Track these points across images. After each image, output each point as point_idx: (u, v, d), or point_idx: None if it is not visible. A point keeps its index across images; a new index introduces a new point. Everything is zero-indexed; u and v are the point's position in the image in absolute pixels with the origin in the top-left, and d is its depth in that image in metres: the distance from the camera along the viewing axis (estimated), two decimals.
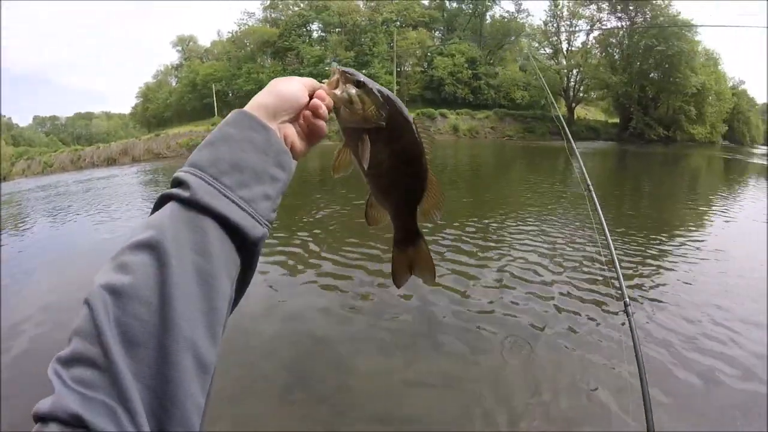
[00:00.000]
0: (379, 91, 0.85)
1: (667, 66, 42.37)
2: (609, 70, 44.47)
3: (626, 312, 2.47)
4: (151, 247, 0.57)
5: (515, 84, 47.43)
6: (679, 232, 9.75)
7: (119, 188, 18.08)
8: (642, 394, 2.10)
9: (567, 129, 3.97)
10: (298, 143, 0.82)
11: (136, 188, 15.95)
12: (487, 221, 9.83)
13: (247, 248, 0.68)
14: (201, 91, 46.73)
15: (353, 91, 0.84)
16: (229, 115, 0.75)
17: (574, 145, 3.79)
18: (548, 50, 51.11)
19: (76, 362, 0.51)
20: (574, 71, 48.95)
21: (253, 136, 0.72)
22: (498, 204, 12.27)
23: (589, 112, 54.39)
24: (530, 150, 33.66)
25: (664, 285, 6.59)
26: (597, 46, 48.03)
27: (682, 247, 8.55)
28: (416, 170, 0.90)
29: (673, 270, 7.26)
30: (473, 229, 8.96)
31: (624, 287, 2.63)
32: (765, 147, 57.70)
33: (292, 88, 0.80)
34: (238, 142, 0.70)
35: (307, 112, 0.82)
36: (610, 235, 2.94)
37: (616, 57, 46.04)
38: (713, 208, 13.05)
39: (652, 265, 7.45)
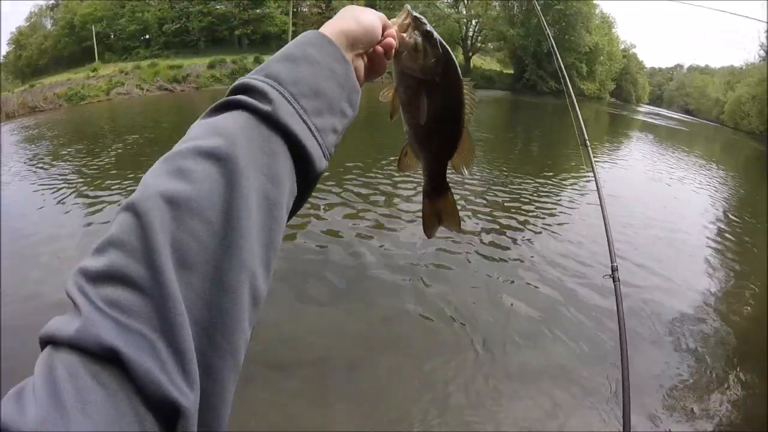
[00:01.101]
0: (443, 46, 0.88)
1: (564, 24, 44.57)
2: (507, 23, 45.74)
3: (613, 277, 2.39)
4: (219, 158, 0.52)
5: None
6: (567, 175, 11.90)
7: None
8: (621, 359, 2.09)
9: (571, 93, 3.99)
10: (362, 78, 0.81)
11: (14, 149, 14.90)
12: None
13: (307, 179, 0.65)
14: (79, 33, 42.74)
15: (420, 39, 0.86)
16: (309, 34, 0.72)
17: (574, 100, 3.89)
18: None
19: (113, 280, 0.43)
20: (473, 21, 49.77)
21: (335, 67, 0.70)
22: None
23: (485, 62, 55.71)
24: None
25: (561, 224, 8.33)
26: None
27: (570, 188, 10.72)
28: (456, 127, 0.94)
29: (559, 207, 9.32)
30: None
31: (613, 250, 2.54)
32: (648, 106, 64.45)
33: (372, 20, 0.79)
34: (321, 69, 0.68)
35: (380, 49, 0.82)
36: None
37: (516, 11, 47.19)
38: (599, 154, 15.34)
39: (545, 204, 9.33)
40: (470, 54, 50.57)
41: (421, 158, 0.97)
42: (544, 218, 8.47)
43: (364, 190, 9.21)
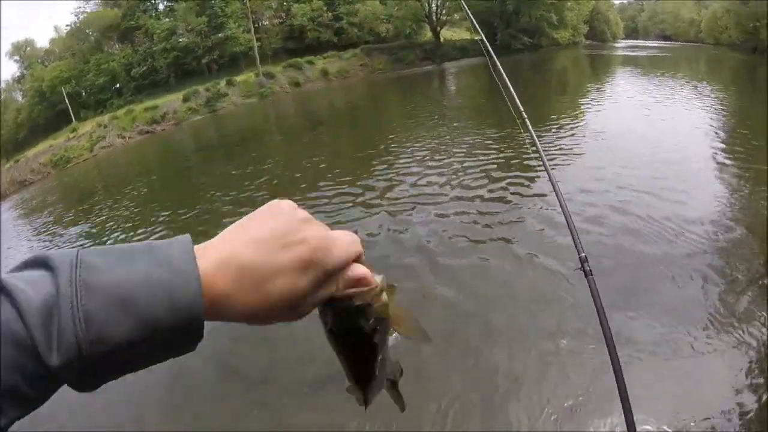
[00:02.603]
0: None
1: None
2: None
3: (583, 270, 2.11)
4: None
5: (377, 18, 47.38)
6: (557, 122, 11.79)
7: None
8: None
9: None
10: (287, 314, 0.53)
11: (18, 228, 15.01)
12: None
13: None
14: (51, 98, 42.96)
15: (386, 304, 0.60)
16: (183, 281, 0.45)
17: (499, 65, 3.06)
18: None
19: None
20: None
21: (173, 346, 0.47)
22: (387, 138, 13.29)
23: (455, 33, 55.19)
24: (404, 79, 34.45)
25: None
26: None
27: (561, 130, 10.68)
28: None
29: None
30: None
31: (578, 239, 2.23)
32: (625, 41, 64.05)
33: (294, 248, 0.51)
34: (154, 338, 0.45)
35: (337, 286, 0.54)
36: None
37: None
38: (584, 99, 15.16)
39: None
40: (438, 29, 50.03)
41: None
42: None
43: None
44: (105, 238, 9.99)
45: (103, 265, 0.45)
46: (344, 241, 0.54)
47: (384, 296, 0.57)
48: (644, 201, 6.44)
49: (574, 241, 2.21)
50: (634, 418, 1.68)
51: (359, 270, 0.54)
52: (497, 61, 3.09)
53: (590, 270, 2.07)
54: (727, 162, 8.01)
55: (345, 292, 0.54)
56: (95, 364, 0.43)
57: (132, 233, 9.82)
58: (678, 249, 5.27)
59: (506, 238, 6.09)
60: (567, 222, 2.31)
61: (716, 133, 10.29)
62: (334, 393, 4.02)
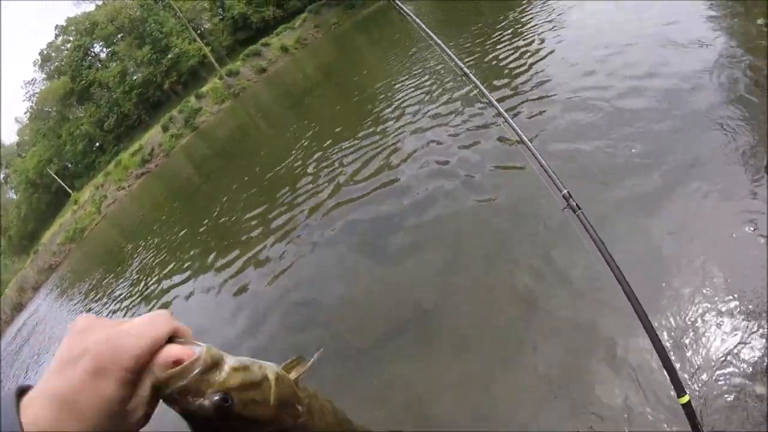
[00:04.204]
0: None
1: None
2: None
3: (570, 207, 1.98)
4: None
5: None
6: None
7: (52, 327, 15.00)
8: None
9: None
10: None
11: (64, 309, 14.82)
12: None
13: None
14: (42, 182, 43.12)
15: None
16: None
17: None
18: None
19: None
20: None
21: None
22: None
23: None
24: (363, 24, 32.97)
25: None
26: None
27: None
28: None
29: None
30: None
31: (557, 180, 2.04)
32: None
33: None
34: None
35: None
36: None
37: None
38: None
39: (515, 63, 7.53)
40: None
41: None
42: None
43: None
44: (152, 277, 9.47)
45: None
46: (137, 331, 0.50)
47: (226, 370, 0.54)
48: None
49: (552, 180, 2.05)
50: None
51: (170, 351, 0.51)
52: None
53: (577, 205, 1.96)
54: None
55: (162, 378, 0.50)
56: None
57: (173, 265, 9.30)
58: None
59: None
60: (536, 159, 2.13)
61: None
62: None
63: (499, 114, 2.29)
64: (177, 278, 8.29)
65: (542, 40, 7.69)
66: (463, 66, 2.45)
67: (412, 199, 5.33)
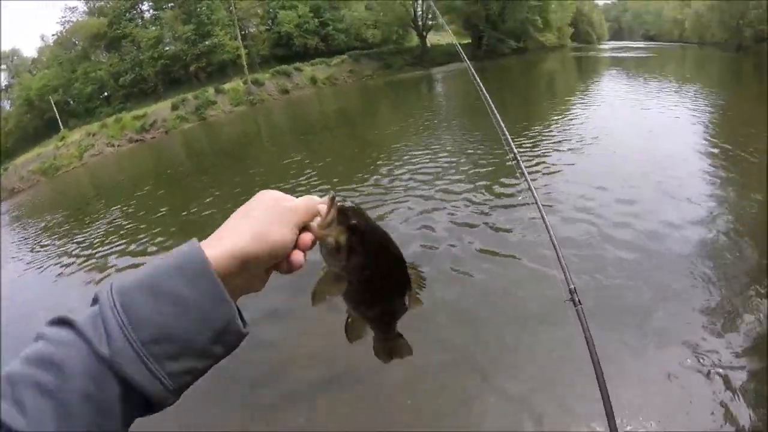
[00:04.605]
0: (370, 245, 0.75)
1: None
2: None
3: (573, 301, 2.15)
4: (53, 396, 0.52)
5: (364, 24, 47.67)
6: (547, 129, 11.89)
7: None
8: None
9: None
10: (258, 285, 0.72)
11: (14, 237, 14.84)
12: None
13: (151, 411, 0.61)
14: (39, 106, 42.76)
15: (343, 238, 0.74)
16: (187, 255, 0.61)
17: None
18: None
19: None
20: (420, 1, 49.57)
21: (210, 316, 0.60)
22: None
23: (442, 37, 55.65)
24: (393, 85, 34.51)
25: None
26: None
27: (548, 139, 10.73)
28: (399, 305, 0.85)
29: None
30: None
31: (568, 273, 2.27)
32: (611, 42, 65.23)
33: (281, 235, 0.67)
34: (189, 313, 0.59)
35: (284, 266, 0.71)
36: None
37: None
38: (574, 102, 15.40)
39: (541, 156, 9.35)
40: (425, 33, 50.41)
41: (368, 324, 0.88)
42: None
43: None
44: (105, 245, 9.88)
45: (131, 274, 0.59)
46: (304, 203, 0.73)
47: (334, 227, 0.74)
48: (634, 215, 6.41)
49: (564, 275, 2.27)
50: None
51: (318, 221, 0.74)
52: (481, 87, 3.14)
53: (579, 300, 2.13)
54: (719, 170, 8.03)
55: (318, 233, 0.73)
56: (149, 352, 0.56)
57: (131, 240, 9.77)
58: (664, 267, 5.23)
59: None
60: (557, 255, 2.38)
61: (705, 131, 10.62)
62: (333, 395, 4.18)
63: (536, 203, 2.60)
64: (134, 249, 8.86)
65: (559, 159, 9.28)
66: (514, 148, 2.93)
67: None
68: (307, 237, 0.72)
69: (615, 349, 3.90)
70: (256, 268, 0.67)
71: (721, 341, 3.95)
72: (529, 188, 2.70)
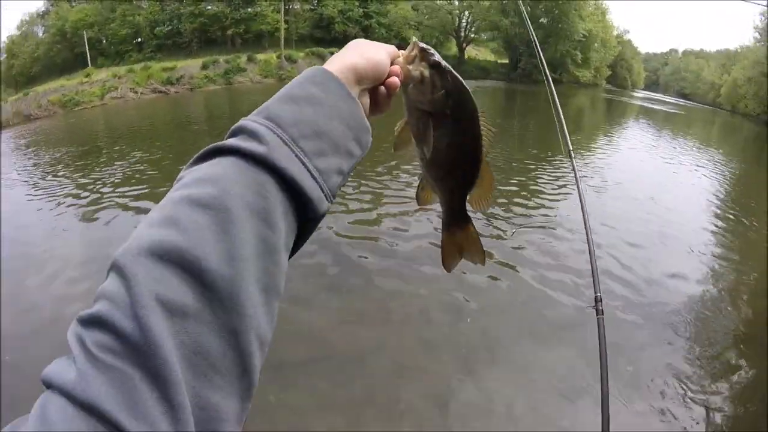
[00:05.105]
0: (452, 78, 0.83)
1: (556, 12, 44.52)
2: (500, 13, 45.69)
3: (596, 309, 2.15)
4: (211, 207, 0.51)
5: (407, 23, 47.55)
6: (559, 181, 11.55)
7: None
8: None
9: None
10: (367, 114, 0.78)
11: (13, 158, 14.84)
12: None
13: (307, 219, 0.63)
14: (71, 39, 42.54)
15: (427, 71, 0.82)
16: (312, 71, 0.70)
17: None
18: None
19: (102, 326, 0.44)
20: (466, 12, 49.66)
21: (341, 106, 0.68)
22: None
23: (480, 53, 55.73)
24: None
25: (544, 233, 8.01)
26: None
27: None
28: (473, 160, 0.89)
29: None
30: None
31: (597, 279, 2.26)
32: (644, 91, 65.43)
33: (380, 55, 0.77)
34: (324, 108, 0.66)
35: (383, 89, 0.80)
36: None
37: (507, 0, 47.06)
38: (593, 145, 16.02)
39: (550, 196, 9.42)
40: (464, 45, 50.53)
41: (438, 192, 0.94)
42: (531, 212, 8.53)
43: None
44: (96, 190, 9.90)
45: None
46: (387, 48, 0.81)
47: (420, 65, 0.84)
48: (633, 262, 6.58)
49: (594, 279, 2.26)
50: None
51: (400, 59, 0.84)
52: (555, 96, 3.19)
53: (602, 310, 2.11)
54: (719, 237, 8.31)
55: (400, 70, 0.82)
56: (299, 147, 0.61)
57: (129, 186, 9.85)
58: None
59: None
60: (590, 256, 2.36)
61: (717, 200, 10.74)
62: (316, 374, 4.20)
63: (580, 199, 2.63)
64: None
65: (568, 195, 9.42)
66: (569, 144, 3.02)
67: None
68: (395, 67, 0.81)
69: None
70: (366, 82, 0.75)
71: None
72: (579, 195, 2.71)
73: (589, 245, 2.40)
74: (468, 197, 0.93)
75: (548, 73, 3.48)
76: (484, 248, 1.00)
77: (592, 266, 2.33)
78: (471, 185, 0.91)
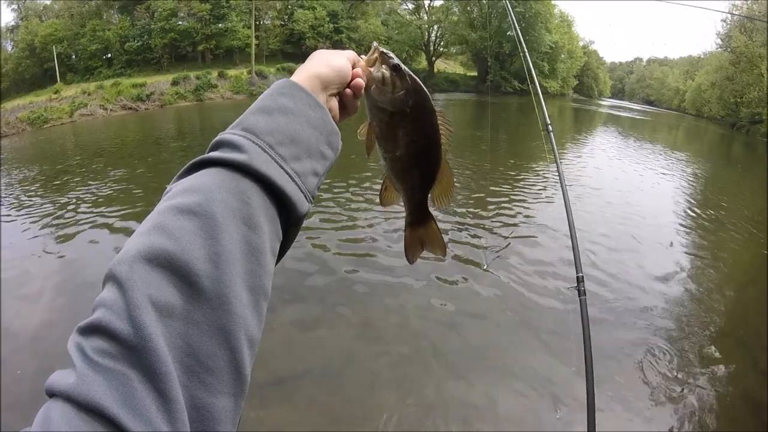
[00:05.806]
0: (411, 79, 0.88)
1: (524, 25, 45.45)
2: (468, 27, 46.74)
3: (578, 290, 2.21)
4: (197, 214, 0.54)
5: (377, 38, 48.00)
6: (535, 175, 12.44)
7: None
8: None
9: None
10: (337, 118, 0.84)
11: None
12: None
13: (290, 223, 0.67)
14: (41, 55, 41.95)
15: (387, 72, 0.87)
16: (281, 83, 0.75)
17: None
18: (410, 5, 53.10)
19: (100, 333, 0.46)
20: (435, 27, 50.67)
21: (310, 113, 0.72)
22: None
23: (449, 66, 56.57)
24: None
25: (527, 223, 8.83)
26: (457, 4, 50.02)
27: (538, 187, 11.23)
28: (433, 157, 0.93)
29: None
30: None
31: (579, 259, 2.33)
32: (611, 100, 67.44)
33: (342, 61, 0.82)
34: (296, 116, 0.70)
35: (349, 91, 0.84)
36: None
37: (475, 15, 48.15)
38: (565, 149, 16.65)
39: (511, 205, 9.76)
40: (433, 59, 51.38)
41: (401, 190, 0.98)
42: (511, 220, 8.93)
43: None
44: (69, 210, 9.87)
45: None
46: (347, 54, 0.86)
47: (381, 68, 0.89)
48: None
49: (575, 258, 2.33)
50: None
51: (361, 62, 0.89)
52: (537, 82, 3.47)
53: (584, 290, 2.20)
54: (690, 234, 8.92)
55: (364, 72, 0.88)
56: (277, 153, 0.65)
57: (101, 208, 9.82)
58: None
59: None
60: (571, 239, 2.48)
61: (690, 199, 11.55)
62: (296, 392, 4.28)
63: (560, 182, 2.84)
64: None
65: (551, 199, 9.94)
66: (548, 121, 3.24)
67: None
68: (358, 70, 0.86)
69: None
70: (332, 88, 0.80)
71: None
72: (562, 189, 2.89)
73: (570, 228, 2.54)
74: (429, 195, 0.97)
75: (527, 53, 4.23)
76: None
77: (574, 247, 2.42)
78: (432, 182, 0.96)
